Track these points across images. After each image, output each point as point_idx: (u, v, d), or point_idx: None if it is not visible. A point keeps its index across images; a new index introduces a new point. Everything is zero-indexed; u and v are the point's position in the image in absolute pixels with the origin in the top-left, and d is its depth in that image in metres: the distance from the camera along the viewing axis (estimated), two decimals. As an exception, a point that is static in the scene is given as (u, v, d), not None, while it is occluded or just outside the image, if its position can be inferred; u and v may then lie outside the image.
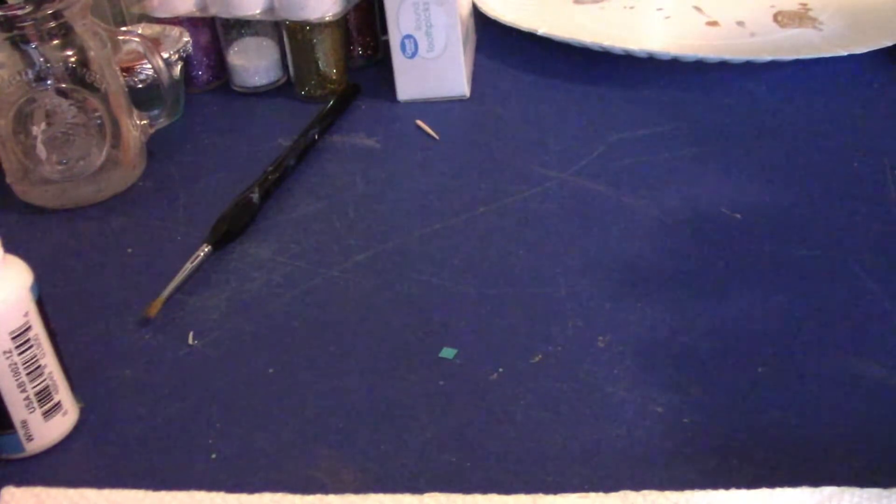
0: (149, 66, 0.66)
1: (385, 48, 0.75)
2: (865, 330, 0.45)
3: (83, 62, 0.59)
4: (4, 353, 0.39)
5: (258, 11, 0.72)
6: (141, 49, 0.64)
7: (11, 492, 0.39)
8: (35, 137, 0.59)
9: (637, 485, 0.38)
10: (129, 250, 0.57)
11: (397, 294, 0.51)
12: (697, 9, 0.82)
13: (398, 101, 0.72)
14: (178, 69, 0.70)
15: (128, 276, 0.55)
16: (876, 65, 0.71)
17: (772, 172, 0.59)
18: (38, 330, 0.40)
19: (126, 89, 0.64)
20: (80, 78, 0.59)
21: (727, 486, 0.37)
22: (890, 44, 0.71)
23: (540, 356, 0.45)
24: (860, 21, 0.77)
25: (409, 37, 0.69)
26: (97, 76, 0.60)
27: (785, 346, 0.45)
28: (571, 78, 0.74)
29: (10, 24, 0.56)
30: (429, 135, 0.66)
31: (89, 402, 0.45)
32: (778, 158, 0.61)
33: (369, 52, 0.79)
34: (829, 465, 0.38)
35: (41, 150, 0.60)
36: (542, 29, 0.76)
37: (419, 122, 0.68)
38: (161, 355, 0.48)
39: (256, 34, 0.74)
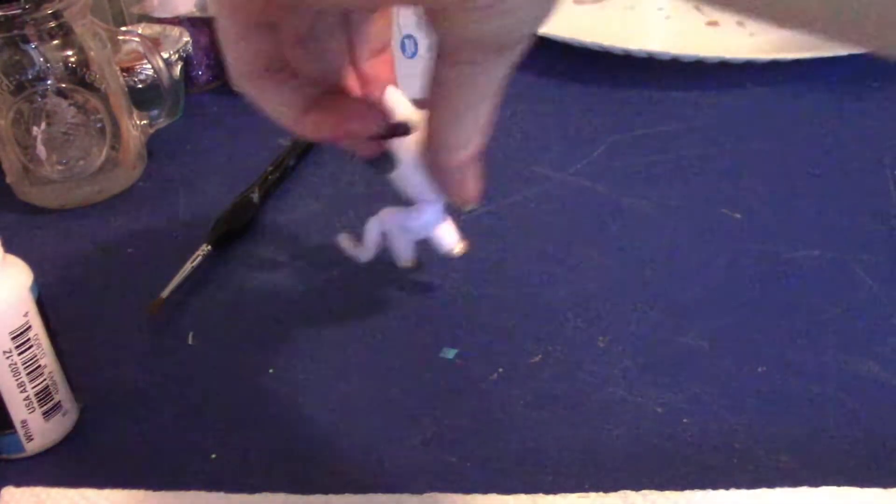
0: (149, 66, 0.66)
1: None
2: (865, 330, 0.45)
3: (83, 62, 0.59)
4: (4, 353, 0.39)
5: (258, 11, 0.72)
6: (141, 49, 0.64)
7: (11, 492, 0.39)
8: (35, 137, 0.59)
9: (637, 485, 0.37)
10: (129, 250, 0.57)
11: (397, 294, 0.51)
12: (697, 9, 0.82)
13: (398, 101, 0.71)
14: (178, 69, 0.70)
15: (128, 276, 0.55)
16: (876, 65, 0.71)
17: (772, 172, 0.59)
18: (38, 330, 0.40)
19: (126, 89, 0.64)
20: (80, 78, 0.59)
21: (727, 486, 0.37)
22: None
23: (540, 356, 0.45)
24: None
25: (409, 36, 0.69)
26: (97, 76, 0.60)
27: (785, 346, 0.45)
28: (571, 78, 0.74)
29: (10, 24, 0.56)
30: (429, 135, 0.66)
31: (89, 402, 0.45)
32: (778, 158, 0.61)
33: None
34: (830, 465, 0.38)
35: (41, 150, 0.60)
36: (542, 29, 0.76)
37: (419, 123, 0.67)
38: (161, 355, 0.48)
39: (256, 34, 0.74)
